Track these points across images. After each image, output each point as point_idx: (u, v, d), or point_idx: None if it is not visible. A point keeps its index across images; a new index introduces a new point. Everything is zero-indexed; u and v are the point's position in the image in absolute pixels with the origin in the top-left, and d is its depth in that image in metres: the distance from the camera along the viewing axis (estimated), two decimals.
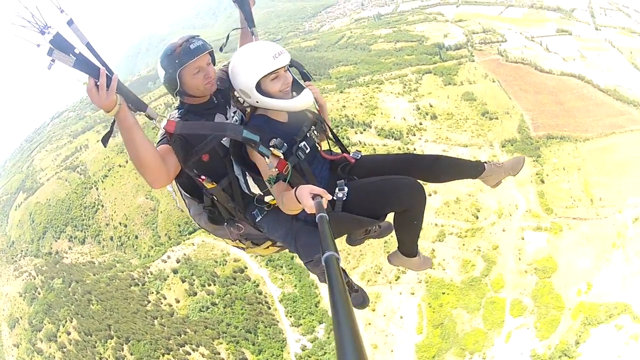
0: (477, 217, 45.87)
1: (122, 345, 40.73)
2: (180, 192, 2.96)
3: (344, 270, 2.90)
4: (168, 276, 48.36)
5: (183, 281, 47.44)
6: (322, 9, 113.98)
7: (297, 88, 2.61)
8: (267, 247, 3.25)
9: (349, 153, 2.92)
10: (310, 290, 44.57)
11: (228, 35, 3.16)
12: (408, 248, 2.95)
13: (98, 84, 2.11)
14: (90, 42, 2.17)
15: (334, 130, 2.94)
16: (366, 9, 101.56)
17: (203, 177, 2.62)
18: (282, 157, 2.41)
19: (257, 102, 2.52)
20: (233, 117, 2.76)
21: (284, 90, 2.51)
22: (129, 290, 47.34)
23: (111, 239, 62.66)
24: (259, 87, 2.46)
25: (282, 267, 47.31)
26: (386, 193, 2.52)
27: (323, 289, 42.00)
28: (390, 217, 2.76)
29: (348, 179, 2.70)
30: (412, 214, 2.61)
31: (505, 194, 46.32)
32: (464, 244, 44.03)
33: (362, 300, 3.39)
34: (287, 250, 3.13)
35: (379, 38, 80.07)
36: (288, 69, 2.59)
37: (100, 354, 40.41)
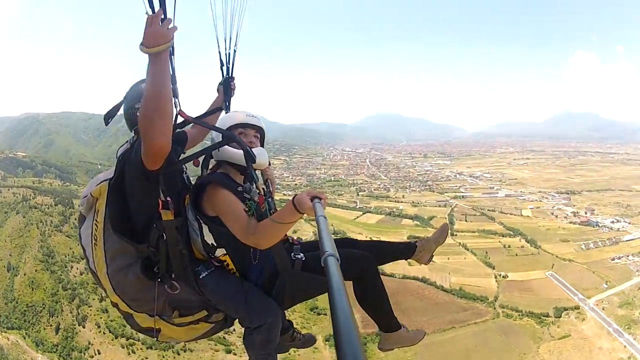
0: None
1: None
2: (104, 240, 2.43)
3: (290, 321, 3.14)
4: None
5: None
6: None
7: None
8: (196, 323, 2.74)
9: None
10: None
11: (207, 111, 3.23)
12: (386, 321, 2.86)
13: (163, 19, 2.11)
14: None
15: None
16: None
17: (170, 199, 2.39)
18: (262, 193, 2.42)
19: (218, 150, 2.57)
20: (184, 173, 2.74)
21: None
22: None
23: None
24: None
25: None
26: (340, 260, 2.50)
27: None
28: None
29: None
30: (369, 279, 2.65)
31: None
32: None
33: (309, 339, 3.32)
34: (204, 339, 2.88)
35: None
36: (260, 140, 2.67)
37: None
